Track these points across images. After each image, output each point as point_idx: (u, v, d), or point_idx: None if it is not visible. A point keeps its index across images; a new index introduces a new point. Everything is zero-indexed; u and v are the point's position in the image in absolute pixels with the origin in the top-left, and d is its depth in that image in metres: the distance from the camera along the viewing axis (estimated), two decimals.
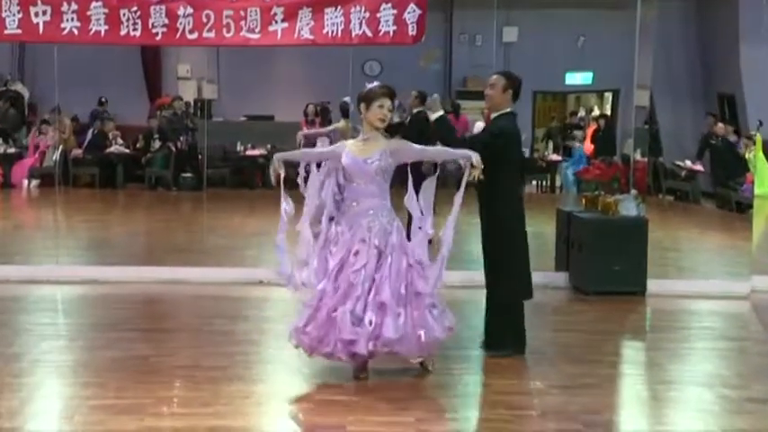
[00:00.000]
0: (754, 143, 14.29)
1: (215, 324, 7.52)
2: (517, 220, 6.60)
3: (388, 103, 6.08)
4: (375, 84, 6.23)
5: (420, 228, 6.14)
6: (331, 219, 6.15)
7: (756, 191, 12.86)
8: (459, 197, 6.13)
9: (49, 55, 10.24)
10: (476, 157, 6.04)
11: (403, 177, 6.16)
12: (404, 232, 6.11)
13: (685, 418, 5.65)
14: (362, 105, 6.13)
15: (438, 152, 6.35)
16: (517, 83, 6.64)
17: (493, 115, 6.72)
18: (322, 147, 9.57)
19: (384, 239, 5.94)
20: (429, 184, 6.22)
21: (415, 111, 10.93)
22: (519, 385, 6.15)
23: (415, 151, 6.20)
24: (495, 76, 6.67)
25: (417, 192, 6.19)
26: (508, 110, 6.64)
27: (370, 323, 5.80)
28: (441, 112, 6.52)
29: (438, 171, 6.27)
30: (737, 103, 15.57)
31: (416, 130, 10.68)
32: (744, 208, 13.28)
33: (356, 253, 5.92)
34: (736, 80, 15.40)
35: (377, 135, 6.11)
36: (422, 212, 6.16)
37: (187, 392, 5.76)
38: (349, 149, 6.13)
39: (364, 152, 6.07)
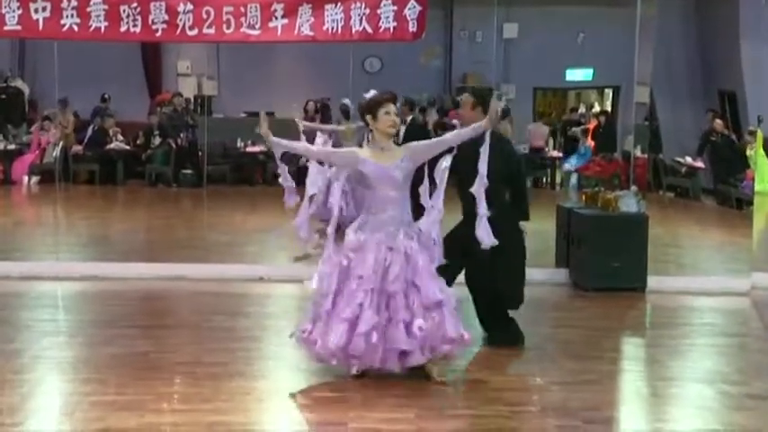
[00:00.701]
0: (755, 140, 14.30)
1: (216, 320, 7.52)
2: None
3: (392, 107, 5.99)
4: (372, 92, 6.13)
5: (432, 206, 6.04)
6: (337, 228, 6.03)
7: (757, 187, 12.86)
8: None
9: (50, 51, 10.24)
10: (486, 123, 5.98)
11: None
12: (422, 235, 6.01)
13: (685, 414, 5.65)
14: (369, 117, 6.01)
15: (454, 136, 6.20)
16: (487, 97, 6.55)
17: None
18: (323, 143, 9.49)
19: (409, 245, 5.87)
20: (444, 161, 6.08)
21: (408, 118, 10.98)
22: (519, 381, 6.15)
23: (431, 146, 6.11)
24: (464, 95, 6.76)
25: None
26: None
27: (420, 329, 5.76)
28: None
29: (455, 149, 6.11)
30: (738, 100, 15.56)
31: (412, 138, 10.73)
32: (744, 205, 13.28)
33: (388, 262, 5.81)
34: (736, 77, 15.39)
35: (390, 143, 6.03)
36: (436, 186, 6.03)
37: (187, 389, 5.76)
38: (367, 157, 5.96)
39: (386, 159, 5.93)
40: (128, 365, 6.18)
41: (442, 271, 6.02)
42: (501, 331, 6.78)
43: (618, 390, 6.22)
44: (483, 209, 6.06)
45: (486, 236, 6.05)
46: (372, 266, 5.81)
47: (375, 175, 5.92)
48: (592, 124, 17.25)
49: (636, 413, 5.75)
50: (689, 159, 15.23)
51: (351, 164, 6.02)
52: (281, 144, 6.11)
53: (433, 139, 6.25)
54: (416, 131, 11.12)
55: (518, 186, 6.85)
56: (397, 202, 5.93)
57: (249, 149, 15.94)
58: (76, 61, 13.14)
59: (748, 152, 14.24)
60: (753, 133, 14.31)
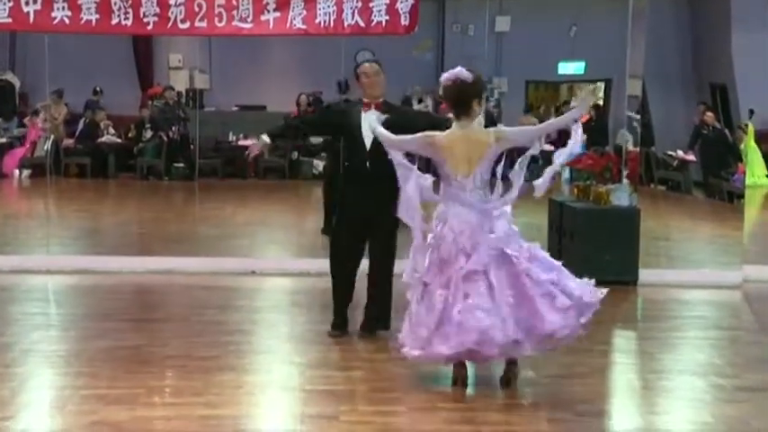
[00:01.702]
0: (746, 133, 14.33)
1: (207, 314, 7.51)
2: None
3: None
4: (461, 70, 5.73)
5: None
6: None
7: (747, 180, 12.89)
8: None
9: (41, 44, 10.19)
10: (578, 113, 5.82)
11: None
12: None
13: (677, 406, 5.66)
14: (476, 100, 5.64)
15: (550, 124, 6.10)
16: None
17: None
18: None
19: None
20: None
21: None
22: None
23: (527, 133, 5.91)
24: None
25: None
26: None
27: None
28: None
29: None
30: (729, 92, 15.59)
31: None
32: (734, 198, 13.31)
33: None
34: (727, 70, 15.41)
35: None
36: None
37: (179, 382, 5.75)
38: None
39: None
40: (119, 359, 6.16)
41: None
42: None
43: (610, 382, 6.23)
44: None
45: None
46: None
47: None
48: (584, 118, 17.25)
49: (628, 406, 5.76)
50: (680, 153, 15.25)
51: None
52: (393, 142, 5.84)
53: (529, 127, 6.05)
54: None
55: None
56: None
57: (241, 143, 15.90)
58: (68, 54, 13.12)
59: (742, 146, 14.28)
60: (744, 127, 14.35)
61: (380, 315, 6.69)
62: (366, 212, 6.51)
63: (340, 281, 6.70)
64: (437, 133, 5.73)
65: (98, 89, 16.69)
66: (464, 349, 5.48)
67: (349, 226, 6.64)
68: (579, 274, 8.85)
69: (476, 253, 5.50)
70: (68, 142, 16.02)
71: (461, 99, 5.65)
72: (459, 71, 5.67)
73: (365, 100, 6.69)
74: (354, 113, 6.69)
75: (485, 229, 5.57)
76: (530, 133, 6.01)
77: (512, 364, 5.70)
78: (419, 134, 5.77)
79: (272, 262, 9.30)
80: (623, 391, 6.07)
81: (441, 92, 5.80)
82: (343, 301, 6.72)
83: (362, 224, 6.58)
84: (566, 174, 15.07)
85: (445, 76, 5.69)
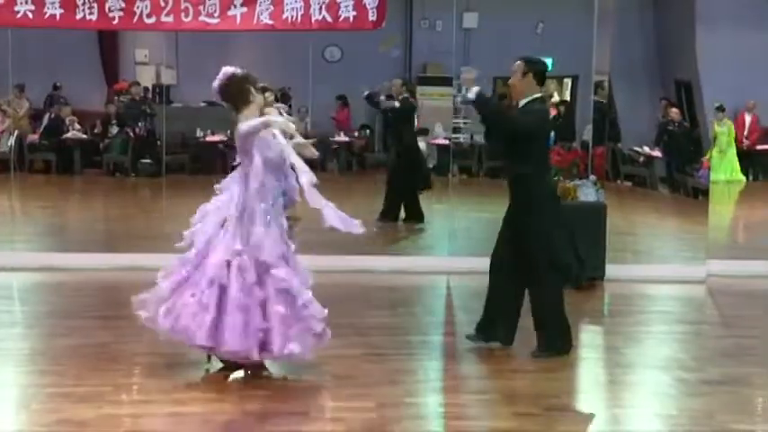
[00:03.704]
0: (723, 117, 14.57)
1: None
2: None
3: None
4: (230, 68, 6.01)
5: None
6: None
7: (713, 176, 13.01)
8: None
9: (3, 39, 10.07)
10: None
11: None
12: None
13: (643, 400, 5.72)
14: (251, 87, 5.88)
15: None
16: (539, 66, 6.38)
17: (521, 102, 6.36)
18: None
19: None
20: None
21: (401, 97, 11.47)
22: (478, 370, 6.19)
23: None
24: (516, 62, 6.41)
25: None
26: (536, 95, 6.34)
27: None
28: (476, 88, 6.20)
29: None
30: (694, 89, 15.72)
31: (404, 114, 11.24)
32: (699, 193, 13.43)
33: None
34: (692, 66, 15.53)
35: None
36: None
37: (146, 380, 5.72)
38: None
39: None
40: (85, 356, 6.12)
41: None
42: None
43: (577, 377, 6.27)
44: None
45: None
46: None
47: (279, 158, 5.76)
48: (552, 111, 17.34)
49: (594, 400, 5.81)
50: (646, 149, 15.37)
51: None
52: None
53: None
54: (410, 108, 11.50)
55: None
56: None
57: (209, 139, 15.81)
58: (31, 49, 12.95)
59: (716, 128, 14.50)
60: (720, 109, 14.56)
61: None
62: None
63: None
64: None
65: (58, 84, 16.53)
66: None
67: None
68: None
69: None
70: (33, 138, 15.84)
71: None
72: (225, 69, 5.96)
73: None
74: None
75: None
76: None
77: None
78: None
79: None
80: (590, 386, 6.12)
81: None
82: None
83: None
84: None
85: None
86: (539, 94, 6.34)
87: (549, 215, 6.21)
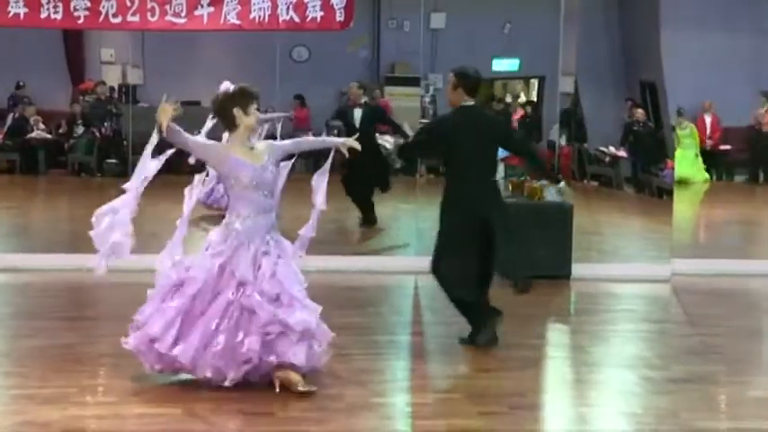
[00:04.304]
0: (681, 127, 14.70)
1: None
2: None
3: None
4: (228, 84, 6.00)
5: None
6: None
7: (677, 176, 13.15)
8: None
9: None
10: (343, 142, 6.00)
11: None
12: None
13: (608, 399, 5.76)
14: (237, 109, 5.78)
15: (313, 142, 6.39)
16: (468, 80, 6.88)
17: None
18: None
19: (280, 250, 5.71)
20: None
21: (362, 101, 11.29)
22: (444, 369, 6.20)
23: (287, 144, 5.99)
24: (449, 75, 6.96)
25: None
26: (467, 104, 6.81)
27: None
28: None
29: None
30: (658, 90, 15.87)
31: (370, 118, 11.07)
32: (664, 193, 13.56)
33: (260, 267, 5.59)
34: (656, 67, 15.68)
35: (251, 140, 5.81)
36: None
37: (112, 381, 5.69)
38: (236, 154, 5.68)
39: (256, 159, 5.67)
40: (50, 358, 6.07)
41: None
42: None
43: (543, 376, 6.31)
44: None
45: None
46: (252, 272, 5.64)
47: (252, 175, 5.65)
48: (518, 114, 17.43)
49: (560, 398, 5.85)
50: (612, 149, 15.49)
51: (221, 158, 5.78)
52: (179, 138, 5.99)
53: (291, 140, 6.12)
54: (375, 113, 11.36)
55: None
56: (270, 207, 5.72)
57: None
58: None
59: (678, 131, 14.64)
60: (679, 113, 14.73)
61: None
62: None
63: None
64: None
65: (21, 83, 16.37)
66: None
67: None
68: (513, 269, 8.98)
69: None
70: None
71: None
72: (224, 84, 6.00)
73: None
74: None
75: None
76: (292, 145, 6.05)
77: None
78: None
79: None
80: (556, 385, 6.16)
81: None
82: None
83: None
84: (500, 171, 15.24)
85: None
86: (470, 103, 6.88)
87: (447, 218, 6.57)
